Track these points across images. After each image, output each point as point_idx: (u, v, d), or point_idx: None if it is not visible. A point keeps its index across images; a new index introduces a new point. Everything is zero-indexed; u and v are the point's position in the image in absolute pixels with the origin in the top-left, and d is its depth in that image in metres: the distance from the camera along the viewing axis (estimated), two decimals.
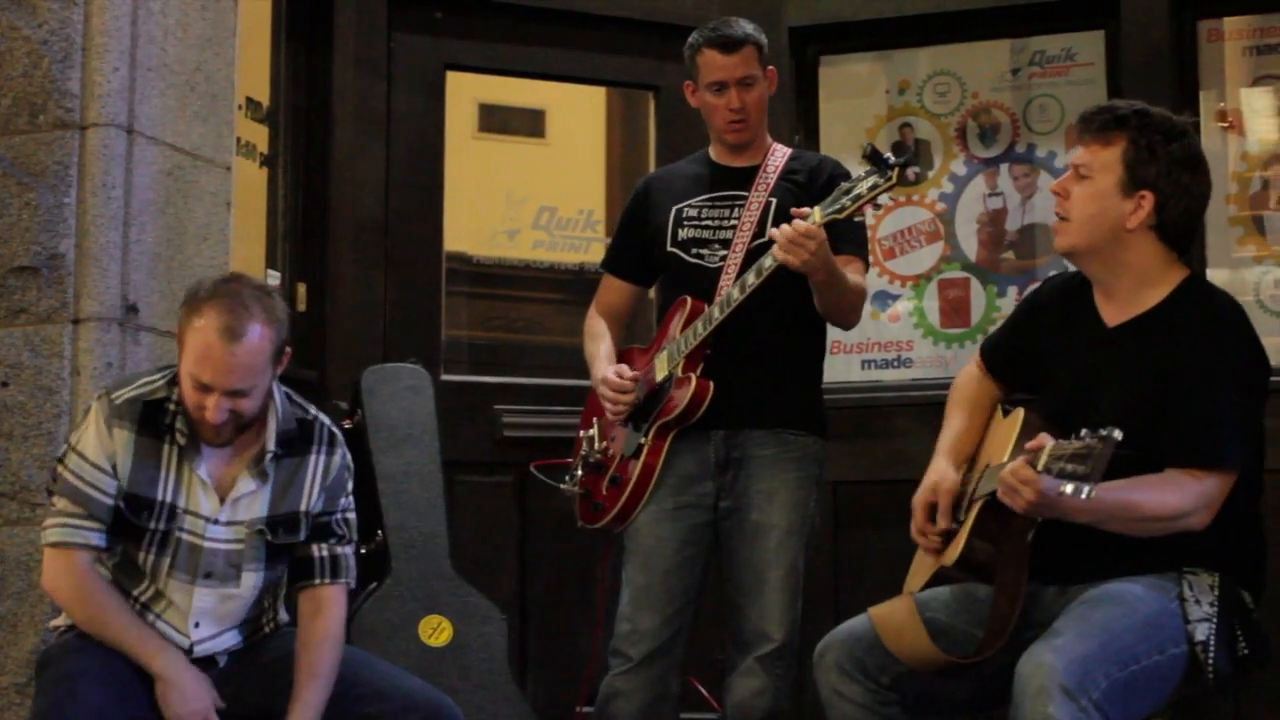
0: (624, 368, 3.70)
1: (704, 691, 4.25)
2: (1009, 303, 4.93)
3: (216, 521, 3.07)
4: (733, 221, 3.67)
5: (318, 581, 3.16)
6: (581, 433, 3.83)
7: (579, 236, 6.11)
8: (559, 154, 6.45)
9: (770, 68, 3.74)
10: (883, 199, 3.39)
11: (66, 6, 3.53)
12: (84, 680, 2.92)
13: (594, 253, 5.66)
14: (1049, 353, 3.11)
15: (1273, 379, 3.02)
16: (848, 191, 3.37)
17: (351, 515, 3.24)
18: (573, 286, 5.96)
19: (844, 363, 5.01)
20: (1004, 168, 5.03)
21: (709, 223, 3.71)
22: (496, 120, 6.34)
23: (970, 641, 2.94)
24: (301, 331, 4.74)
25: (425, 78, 4.99)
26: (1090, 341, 3.03)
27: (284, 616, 3.27)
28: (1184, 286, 2.98)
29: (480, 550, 4.76)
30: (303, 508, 3.14)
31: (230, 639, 3.14)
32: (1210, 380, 2.85)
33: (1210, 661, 2.78)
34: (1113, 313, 3.02)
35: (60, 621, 3.14)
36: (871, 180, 3.33)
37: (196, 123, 3.75)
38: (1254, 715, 4.01)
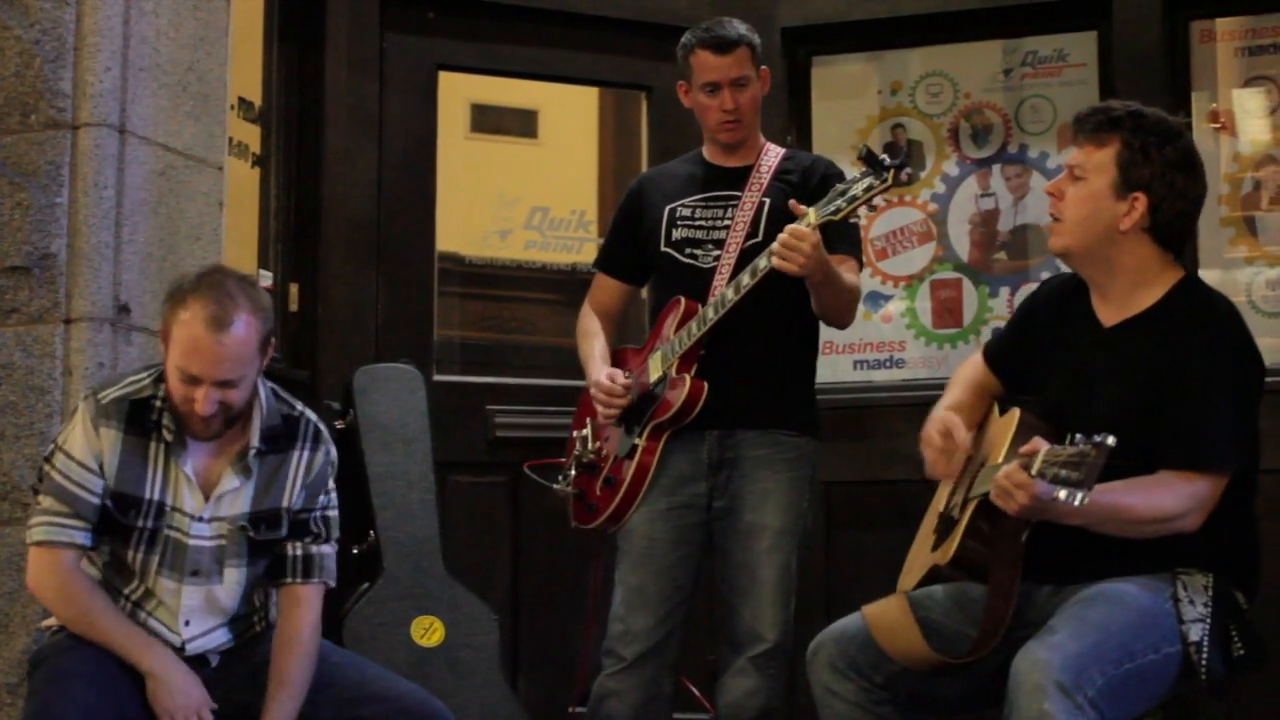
0: (618, 371, 3.70)
1: (695, 691, 4.24)
2: (1001, 303, 4.94)
3: (201, 519, 3.07)
4: (726, 222, 3.68)
5: (289, 580, 3.16)
6: (574, 433, 3.83)
7: (571, 237, 6.12)
8: (551, 154, 6.46)
9: (763, 68, 3.74)
10: (877, 200, 3.39)
11: (59, 6, 3.53)
12: (76, 680, 2.91)
13: (586, 253, 5.67)
14: (1046, 352, 3.11)
15: (1268, 379, 3.01)
16: (843, 193, 3.37)
17: (332, 514, 3.22)
18: (565, 287, 5.97)
19: (836, 363, 5.01)
20: (996, 168, 5.03)
21: (703, 223, 3.71)
22: (489, 120, 6.35)
23: (964, 641, 2.94)
24: (293, 331, 4.74)
25: (417, 78, 4.99)
26: (1086, 341, 3.03)
27: (275, 615, 3.26)
28: (1180, 287, 2.98)
29: (472, 551, 4.75)
30: (285, 504, 3.14)
31: (221, 636, 3.14)
32: (1204, 382, 2.85)
33: (1204, 662, 2.79)
34: (1109, 313, 3.02)
35: (51, 621, 3.13)
36: (867, 182, 3.34)
37: (189, 123, 3.75)
38: (1248, 716, 4.01)
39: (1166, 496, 2.81)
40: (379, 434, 4.38)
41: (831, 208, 3.37)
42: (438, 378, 4.90)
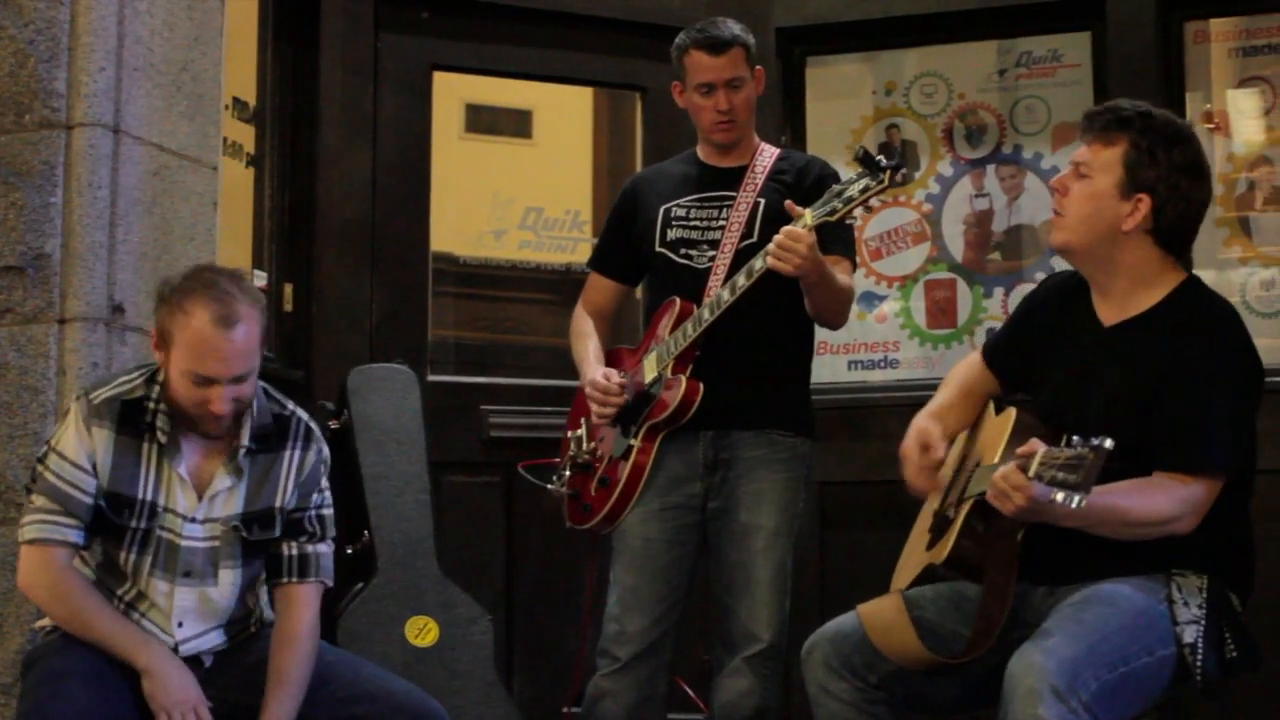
0: (613, 371, 3.69)
1: (690, 692, 4.24)
2: (995, 304, 4.94)
3: (194, 519, 3.06)
4: (721, 222, 3.67)
5: (285, 580, 3.15)
6: (569, 433, 3.82)
7: (566, 237, 6.12)
8: (546, 154, 6.45)
9: (758, 68, 3.74)
10: (873, 201, 3.39)
11: (53, 6, 3.52)
12: (70, 680, 2.91)
13: (580, 253, 5.66)
14: (1045, 350, 3.11)
15: (1268, 380, 3.01)
16: (839, 194, 3.37)
17: (326, 512, 3.22)
18: (559, 287, 5.97)
19: (831, 363, 5.01)
20: (990, 169, 5.04)
21: (697, 223, 3.71)
22: (483, 120, 6.34)
23: (958, 641, 2.94)
24: (288, 332, 4.74)
25: (412, 78, 4.99)
26: (1086, 340, 3.03)
27: (269, 615, 3.25)
28: (1181, 289, 2.98)
29: (467, 551, 4.75)
30: (278, 503, 3.13)
31: (215, 638, 3.13)
32: (1201, 384, 2.85)
33: (1199, 664, 2.79)
34: (1109, 312, 3.02)
35: (46, 622, 3.12)
36: (863, 183, 3.34)
37: (183, 122, 3.74)
38: (1242, 718, 4.01)
39: (1161, 499, 2.81)
40: (373, 434, 4.38)
41: (827, 209, 3.37)
42: (432, 378, 4.90)
